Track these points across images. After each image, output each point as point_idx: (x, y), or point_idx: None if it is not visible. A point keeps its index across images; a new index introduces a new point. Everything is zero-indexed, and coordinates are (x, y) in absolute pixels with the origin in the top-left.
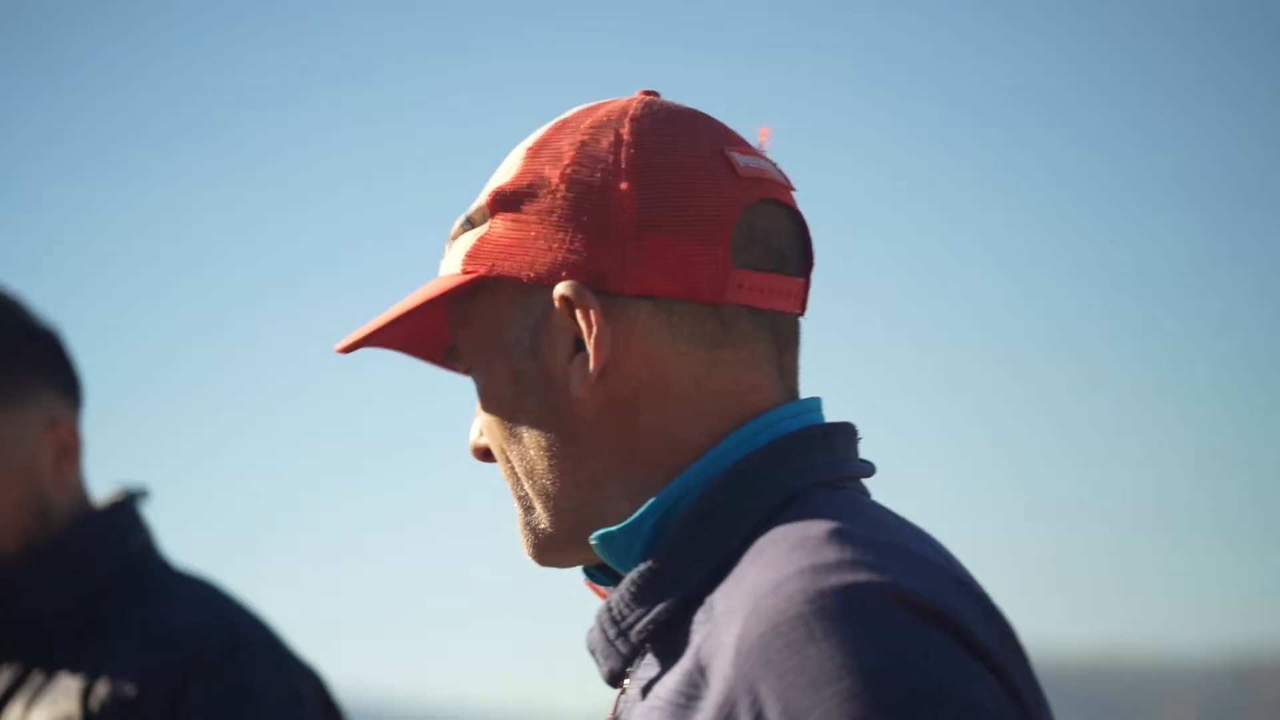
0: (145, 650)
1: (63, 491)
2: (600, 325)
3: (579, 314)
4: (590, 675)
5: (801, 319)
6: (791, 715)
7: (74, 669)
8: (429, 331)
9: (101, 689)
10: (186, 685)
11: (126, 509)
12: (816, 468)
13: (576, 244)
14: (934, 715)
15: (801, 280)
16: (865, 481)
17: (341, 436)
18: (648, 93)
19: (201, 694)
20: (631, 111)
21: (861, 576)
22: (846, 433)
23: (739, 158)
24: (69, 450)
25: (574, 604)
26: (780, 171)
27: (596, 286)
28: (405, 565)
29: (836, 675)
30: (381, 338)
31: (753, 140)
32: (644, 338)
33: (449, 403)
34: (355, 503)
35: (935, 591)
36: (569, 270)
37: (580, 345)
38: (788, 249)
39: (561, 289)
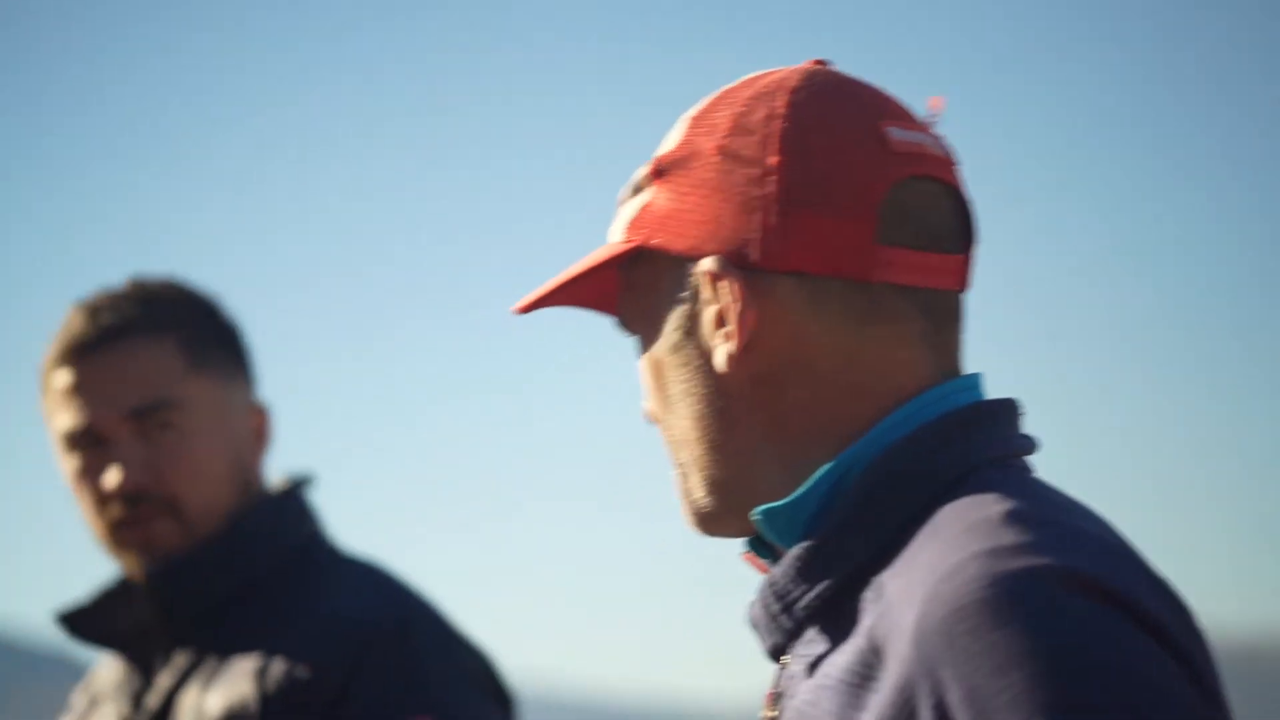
0: (319, 635)
1: (257, 474)
2: (744, 301)
3: (723, 289)
4: (742, 656)
5: (963, 295)
6: (976, 700)
7: (248, 653)
8: (602, 293)
9: (276, 671)
10: (359, 670)
11: (296, 495)
12: (985, 445)
13: (725, 218)
14: (1116, 697)
15: (960, 257)
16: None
17: (516, 419)
18: (818, 62)
19: (374, 678)
20: (790, 83)
21: (1040, 560)
22: (1011, 409)
23: (895, 132)
24: (261, 436)
25: (732, 589)
26: (943, 145)
27: (742, 262)
28: (578, 555)
29: (1020, 661)
30: (555, 300)
31: (922, 110)
32: (789, 314)
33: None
34: (533, 493)
35: (1112, 573)
36: (717, 244)
37: (726, 319)
38: (943, 226)
39: (707, 264)
